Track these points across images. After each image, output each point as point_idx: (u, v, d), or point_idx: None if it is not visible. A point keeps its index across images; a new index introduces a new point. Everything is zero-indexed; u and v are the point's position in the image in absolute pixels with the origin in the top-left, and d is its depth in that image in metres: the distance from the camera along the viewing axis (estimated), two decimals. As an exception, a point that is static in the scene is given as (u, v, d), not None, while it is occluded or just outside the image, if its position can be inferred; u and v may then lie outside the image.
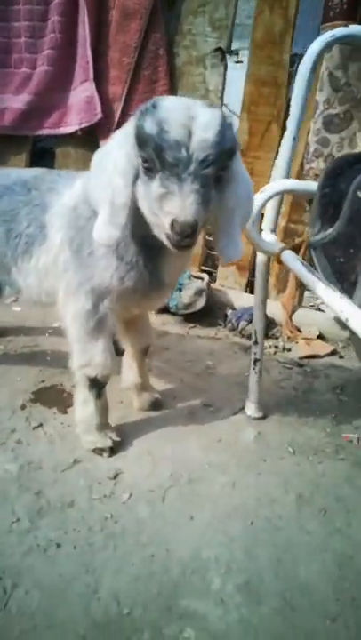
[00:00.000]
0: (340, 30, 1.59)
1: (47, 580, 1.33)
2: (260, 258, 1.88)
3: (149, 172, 1.24)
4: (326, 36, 1.57)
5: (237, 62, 2.86)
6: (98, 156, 1.40)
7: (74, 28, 2.88)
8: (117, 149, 1.31)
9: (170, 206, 1.19)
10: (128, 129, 1.31)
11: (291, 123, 1.64)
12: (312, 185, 1.68)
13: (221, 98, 2.93)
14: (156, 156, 1.19)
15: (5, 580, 1.31)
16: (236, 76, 2.99)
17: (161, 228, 1.26)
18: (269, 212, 1.81)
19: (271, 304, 3.06)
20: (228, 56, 2.84)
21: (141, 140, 1.22)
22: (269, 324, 3.04)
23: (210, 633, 1.26)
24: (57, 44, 2.90)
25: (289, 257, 1.68)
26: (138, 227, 1.41)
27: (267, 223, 1.82)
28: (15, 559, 1.37)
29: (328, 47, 1.61)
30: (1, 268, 1.84)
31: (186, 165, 1.17)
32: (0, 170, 1.95)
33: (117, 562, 1.41)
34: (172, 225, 1.19)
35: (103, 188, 1.34)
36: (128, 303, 1.67)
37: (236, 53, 2.86)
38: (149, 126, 1.19)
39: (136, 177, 1.30)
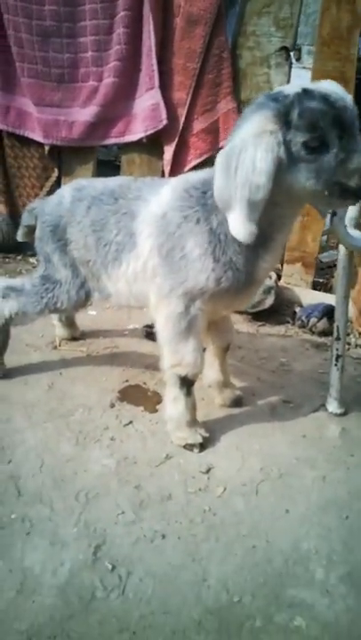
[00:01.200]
0: None
1: (158, 569, 1.39)
2: (343, 252, 1.89)
3: (314, 150, 1.35)
4: None
5: (303, 68, 2.85)
6: (223, 158, 1.43)
7: (139, 39, 2.97)
8: (253, 149, 1.34)
9: (355, 163, 1.35)
10: (260, 128, 1.34)
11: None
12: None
13: (285, 96, 2.94)
14: (334, 127, 1.32)
15: (120, 569, 1.38)
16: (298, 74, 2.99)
17: (338, 194, 1.41)
18: (353, 207, 1.82)
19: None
20: (292, 55, 2.84)
21: (310, 121, 1.32)
22: (339, 320, 3.01)
23: (319, 622, 1.29)
24: (123, 56, 2.98)
25: (376, 251, 1.68)
26: None
27: (349, 219, 1.83)
28: (125, 549, 1.44)
29: None
30: (91, 275, 1.93)
31: (356, 127, 1.35)
32: (87, 181, 2.04)
33: (221, 552, 1.46)
34: None
35: (239, 187, 1.38)
36: (219, 303, 1.72)
37: (299, 50, 2.85)
38: (318, 105, 1.31)
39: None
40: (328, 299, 2.96)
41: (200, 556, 1.44)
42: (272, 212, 1.48)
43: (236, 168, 1.38)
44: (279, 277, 3.24)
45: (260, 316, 2.99)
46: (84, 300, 2.00)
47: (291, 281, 3.24)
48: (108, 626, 1.24)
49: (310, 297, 3.15)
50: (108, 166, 3.45)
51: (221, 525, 1.54)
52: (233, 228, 1.45)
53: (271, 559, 1.45)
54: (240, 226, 1.42)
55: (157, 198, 1.74)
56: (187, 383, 1.80)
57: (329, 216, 1.70)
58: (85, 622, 1.24)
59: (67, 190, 2.00)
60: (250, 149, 1.35)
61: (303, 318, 2.98)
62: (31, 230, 2.14)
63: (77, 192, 1.95)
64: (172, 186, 1.72)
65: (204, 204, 1.61)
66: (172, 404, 1.83)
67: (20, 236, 2.24)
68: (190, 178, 1.72)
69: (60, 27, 3.04)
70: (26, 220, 2.15)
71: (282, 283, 3.24)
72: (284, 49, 2.82)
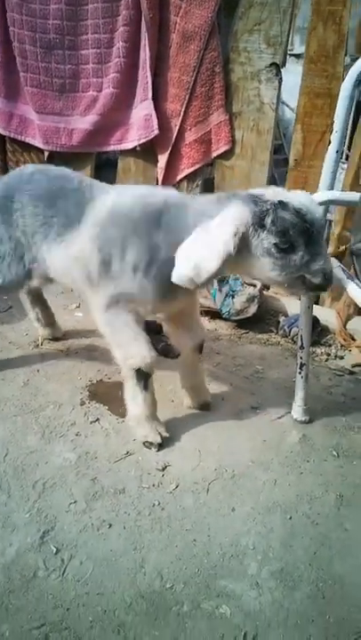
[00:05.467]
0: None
1: (99, 554, 1.49)
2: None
3: (283, 250, 1.59)
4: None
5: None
6: (197, 232, 1.63)
7: (136, 52, 3.09)
8: (216, 234, 1.58)
9: (318, 264, 1.60)
10: (233, 222, 1.57)
11: (335, 137, 1.73)
12: (355, 195, 1.76)
13: (276, 110, 3.03)
14: (301, 235, 1.56)
15: (63, 552, 1.49)
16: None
17: (299, 285, 1.67)
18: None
19: (326, 311, 3.12)
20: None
21: (282, 230, 1.56)
22: (323, 330, 3.08)
23: (244, 611, 1.37)
24: (121, 68, 3.11)
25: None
26: None
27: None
28: (72, 535, 1.55)
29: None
30: (32, 246, 2.05)
31: (321, 234, 1.62)
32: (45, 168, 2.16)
33: (162, 543, 1.55)
34: (325, 276, 1.61)
35: (193, 258, 1.60)
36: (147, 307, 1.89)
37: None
38: (290, 217, 1.55)
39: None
40: (314, 310, 3.03)
41: (141, 546, 1.53)
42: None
43: (200, 241, 1.61)
44: (267, 287, 3.31)
45: (244, 324, 3.07)
46: (23, 275, 2.09)
47: (279, 290, 3.31)
48: (45, 602, 1.34)
49: (296, 307, 3.21)
50: (112, 166, 3.57)
51: (167, 519, 1.64)
52: (175, 271, 1.63)
53: (209, 552, 1.54)
54: (182, 276, 1.62)
55: (106, 200, 1.88)
56: (142, 376, 1.89)
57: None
58: (24, 597, 1.35)
59: (28, 167, 2.15)
60: (213, 234, 1.58)
61: (286, 328, 3.05)
62: None
63: (37, 170, 2.09)
64: (131, 199, 1.86)
65: (159, 230, 1.76)
66: (132, 400, 1.94)
67: None
68: (151, 199, 1.84)
69: (63, 40, 3.18)
70: None
71: (270, 292, 3.31)
72: (274, 65, 2.91)
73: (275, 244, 1.58)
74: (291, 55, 3.34)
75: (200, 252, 1.59)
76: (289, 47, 3.19)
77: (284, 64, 2.96)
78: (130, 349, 1.86)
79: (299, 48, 5.55)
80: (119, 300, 1.83)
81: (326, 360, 2.86)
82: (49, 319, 2.58)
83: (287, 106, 5.02)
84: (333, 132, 1.75)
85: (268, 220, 1.57)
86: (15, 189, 2.04)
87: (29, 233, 2.01)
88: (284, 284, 1.68)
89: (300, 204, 1.57)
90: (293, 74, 3.09)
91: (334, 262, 1.87)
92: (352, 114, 1.96)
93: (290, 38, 2.92)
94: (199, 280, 1.60)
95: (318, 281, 1.62)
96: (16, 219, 2.02)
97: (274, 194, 1.62)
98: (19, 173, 2.12)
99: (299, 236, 1.56)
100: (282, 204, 1.57)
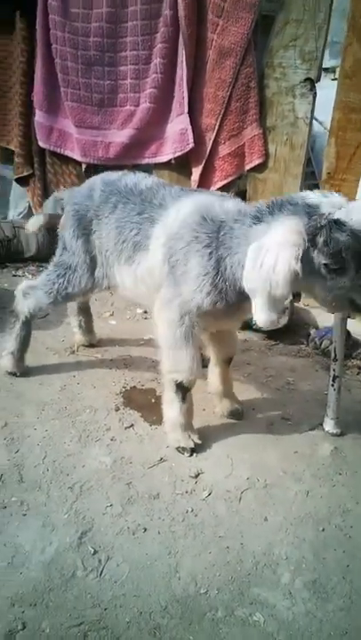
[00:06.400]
0: None
1: (135, 557, 1.53)
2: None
3: (334, 271, 1.52)
4: None
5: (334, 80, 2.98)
6: (254, 252, 1.54)
7: (173, 68, 3.17)
8: (275, 255, 1.48)
9: None
10: (286, 238, 1.49)
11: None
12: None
13: (310, 124, 3.07)
14: (354, 258, 1.47)
15: (100, 554, 1.53)
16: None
17: (346, 306, 1.62)
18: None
19: (358, 325, 3.11)
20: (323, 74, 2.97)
21: (334, 250, 1.47)
22: (354, 344, 3.07)
23: (277, 620, 1.39)
24: (158, 84, 3.20)
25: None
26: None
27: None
28: (109, 537, 1.59)
29: None
30: (106, 263, 2.12)
31: None
32: (117, 175, 2.13)
33: (196, 549, 1.58)
34: None
35: (261, 280, 1.52)
36: (210, 321, 1.88)
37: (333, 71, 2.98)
38: (344, 239, 1.45)
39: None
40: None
41: (176, 551, 1.56)
42: None
43: (262, 264, 1.51)
44: (298, 296, 3.31)
45: (274, 335, 3.08)
46: (91, 287, 2.16)
47: (310, 302, 3.32)
48: (83, 601, 1.38)
49: (327, 319, 3.21)
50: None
51: (201, 525, 1.66)
52: (254, 313, 1.59)
53: (243, 560, 1.56)
54: (260, 312, 1.57)
55: (176, 210, 1.86)
56: (182, 389, 1.93)
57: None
58: (63, 595, 1.39)
59: (97, 184, 2.11)
60: (273, 253, 1.49)
61: (316, 340, 3.06)
62: (52, 220, 2.27)
63: (107, 187, 2.06)
64: (194, 205, 1.82)
65: (220, 236, 1.74)
66: (169, 406, 1.98)
67: (31, 225, 2.37)
68: (213, 207, 1.80)
69: (103, 56, 3.29)
70: (50, 207, 2.30)
71: (300, 304, 3.32)
72: (309, 80, 2.95)
73: (325, 264, 1.51)
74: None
75: (266, 286, 1.52)
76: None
77: (318, 79, 3.00)
78: (178, 364, 1.88)
79: (328, 62, 5.58)
80: (189, 310, 1.82)
81: (358, 373, 2.86)
82: (89, 327, 2.65)
83: (315, 119, 5.04)
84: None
85: (321, 240, 1.47)
86: (90, 211, 2.06)
87: (104, 253, 2.08)
88: (332, 303, 1.63)
89: (359, 222, 1.47)
90: (321, 87, 3.12)
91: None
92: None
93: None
94: (278, 312, 1.58)
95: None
96: (93, 239, 2.09)
97: (331, 205, 1.50)
98: (89, 193, 2.10)
99: (352, 258, 1.47)
100: (337, 224, 1.46)
